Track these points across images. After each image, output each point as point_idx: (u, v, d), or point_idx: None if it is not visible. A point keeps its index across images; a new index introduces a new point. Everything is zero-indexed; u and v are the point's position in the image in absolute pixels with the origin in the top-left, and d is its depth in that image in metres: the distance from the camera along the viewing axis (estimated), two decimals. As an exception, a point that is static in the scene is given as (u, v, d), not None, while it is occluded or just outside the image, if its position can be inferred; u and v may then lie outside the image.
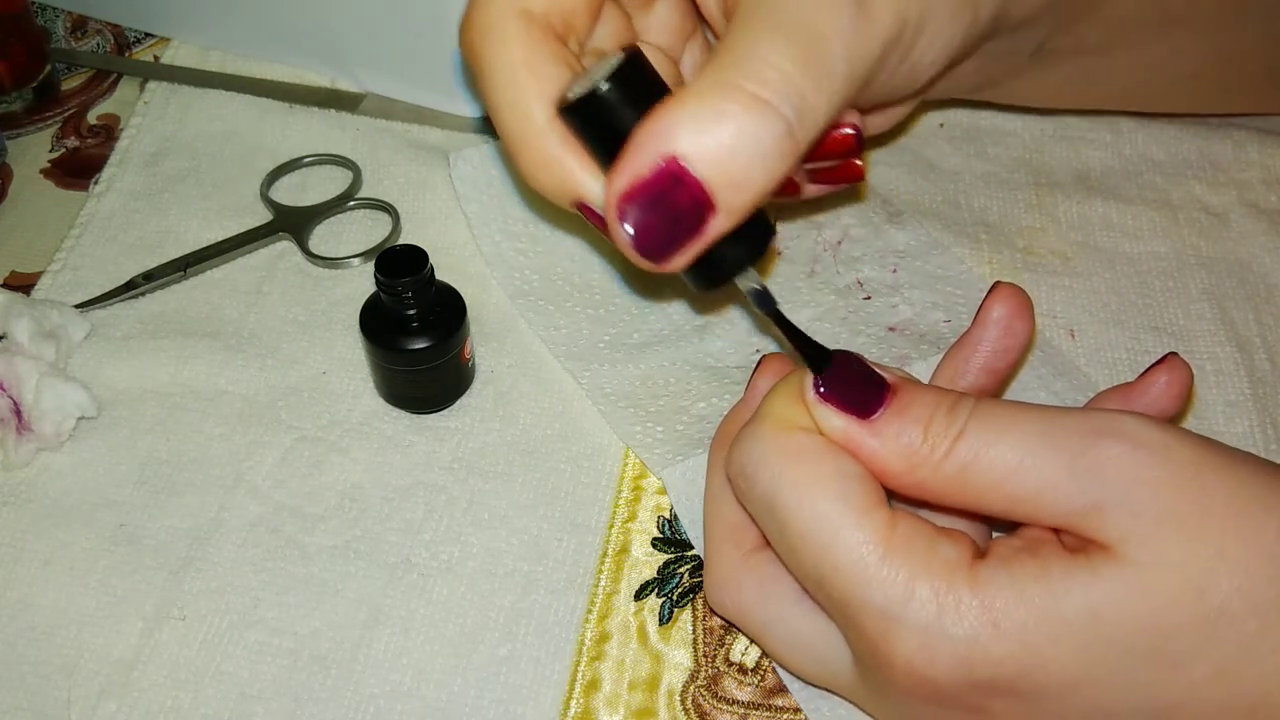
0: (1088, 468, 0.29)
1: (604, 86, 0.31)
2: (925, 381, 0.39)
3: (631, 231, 0.32)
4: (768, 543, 0.34)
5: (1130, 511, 0.29)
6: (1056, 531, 0.31)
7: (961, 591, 0.30)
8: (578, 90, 0.32)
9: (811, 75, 0.31)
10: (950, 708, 0.31)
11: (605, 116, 0.32)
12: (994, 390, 0.39)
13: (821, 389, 0.32)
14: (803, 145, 0.32)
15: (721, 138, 0.30)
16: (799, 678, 0.37)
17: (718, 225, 0.32)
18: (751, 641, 0.39)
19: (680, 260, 0.32)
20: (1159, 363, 0.36)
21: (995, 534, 0.35)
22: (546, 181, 0.34)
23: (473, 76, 0.35)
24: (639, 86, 0.32)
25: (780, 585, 0.35)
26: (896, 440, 0.31)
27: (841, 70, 0.32)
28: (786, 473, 0.32)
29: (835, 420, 0.32)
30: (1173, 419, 0.37)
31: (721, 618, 0.39)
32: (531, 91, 0.33)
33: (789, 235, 0.51)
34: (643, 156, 0.31)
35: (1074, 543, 0.30)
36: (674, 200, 0.31)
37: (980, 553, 0.31)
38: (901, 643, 0.30)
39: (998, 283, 0.38)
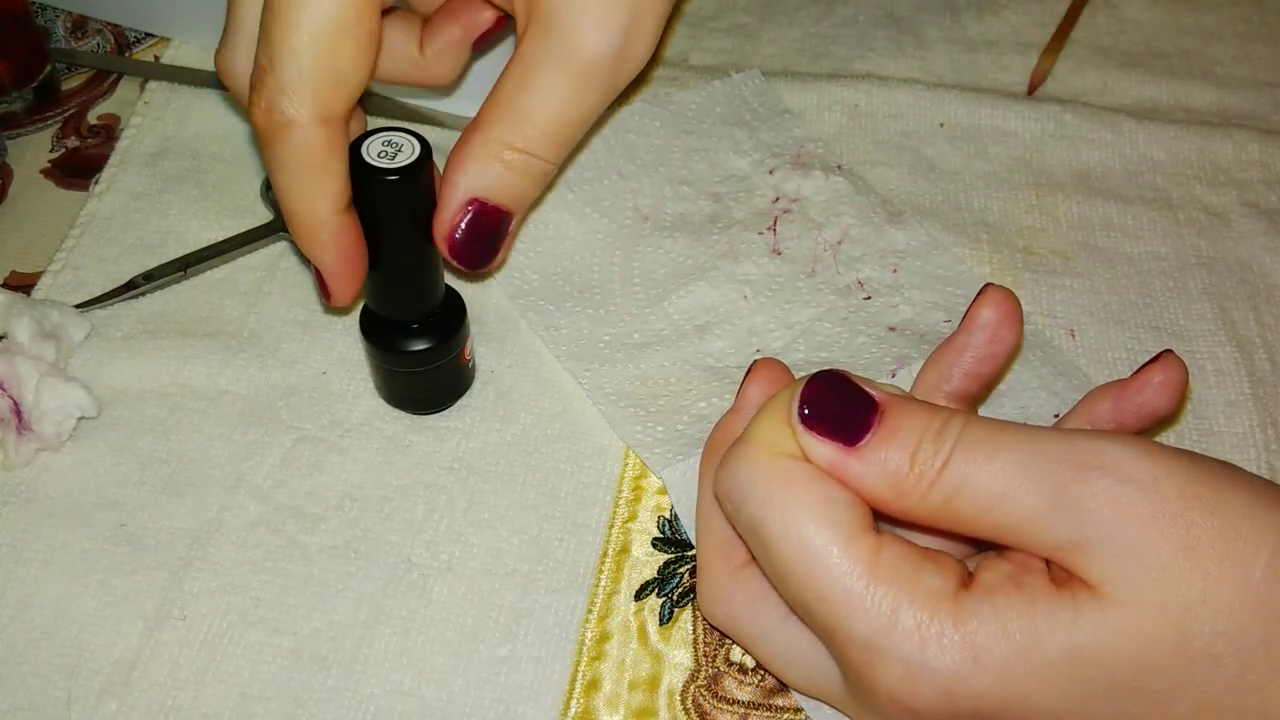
0: (1071, 503, 0.29)
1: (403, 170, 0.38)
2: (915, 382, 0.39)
3: (457, 260, 0.40)
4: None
5: (1113, 552, 0.29)
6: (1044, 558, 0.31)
7: (945, 623, 0.29)
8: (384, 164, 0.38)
9: (562, 133, 0.39)
10: None
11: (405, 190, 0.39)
12: (979, 394, 0.39)
13: (806, 413, 0.32)
14: (560, 159, 0.40)
15: (504, 180, 0.39)
16: (791, 689, 0.37)
17: (515, 223, 0.41)
18: (745, 651, 0.39)
19: (501, 257, 0.41)
20: (1154, 360, 0.36)
21: (984, 550, 0.35)
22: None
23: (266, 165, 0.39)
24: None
25: (768, 602, 0.35)
26: (883, 468, 0.31)
27: (592, 113, 0.39)
28: (772, 498, 0.31)
29: (821, 449, 0.31)
30: (1168, 417, 0.37)
31: (714, 628, 0.39)
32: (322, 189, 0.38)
33: (789, 235, 0.51)
34: (451, 207, 0.39)
35: (1060, 575, 0.30)
36: (484, 224, 0.39)
37: (966, 579, 0.31)
38: (885, 672, 0.30)
39: (988, 285, 0.37)
